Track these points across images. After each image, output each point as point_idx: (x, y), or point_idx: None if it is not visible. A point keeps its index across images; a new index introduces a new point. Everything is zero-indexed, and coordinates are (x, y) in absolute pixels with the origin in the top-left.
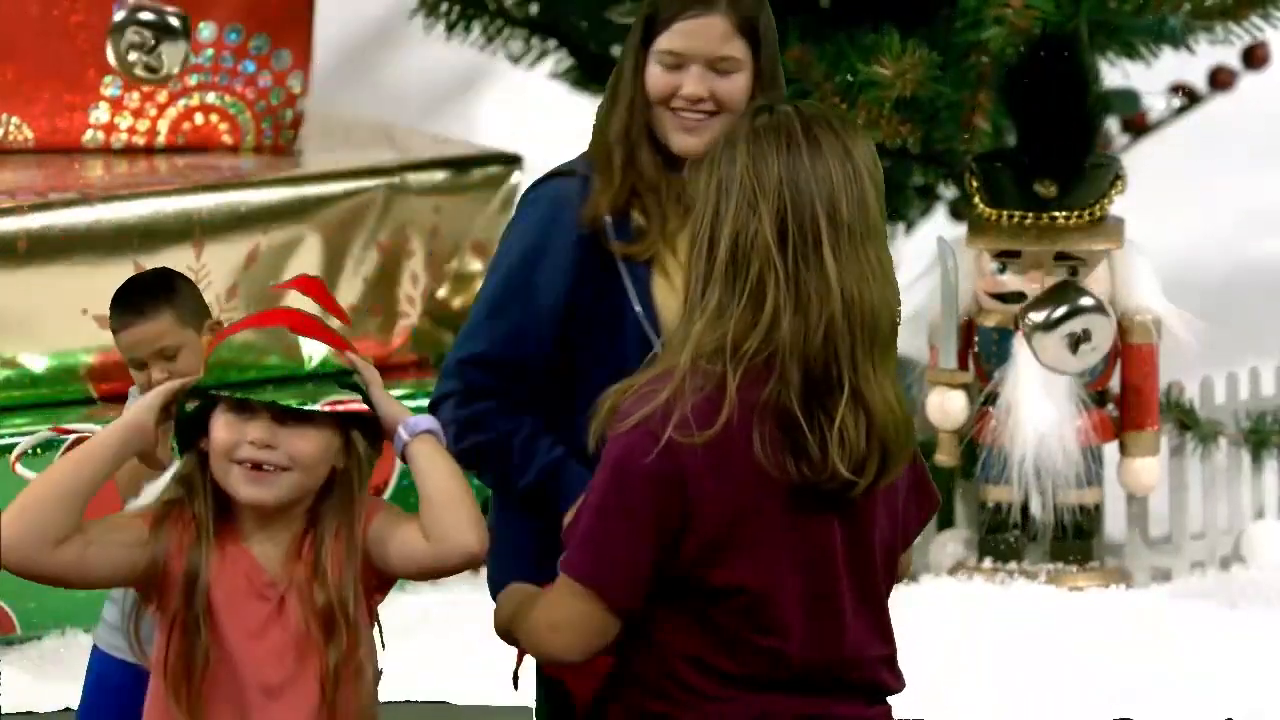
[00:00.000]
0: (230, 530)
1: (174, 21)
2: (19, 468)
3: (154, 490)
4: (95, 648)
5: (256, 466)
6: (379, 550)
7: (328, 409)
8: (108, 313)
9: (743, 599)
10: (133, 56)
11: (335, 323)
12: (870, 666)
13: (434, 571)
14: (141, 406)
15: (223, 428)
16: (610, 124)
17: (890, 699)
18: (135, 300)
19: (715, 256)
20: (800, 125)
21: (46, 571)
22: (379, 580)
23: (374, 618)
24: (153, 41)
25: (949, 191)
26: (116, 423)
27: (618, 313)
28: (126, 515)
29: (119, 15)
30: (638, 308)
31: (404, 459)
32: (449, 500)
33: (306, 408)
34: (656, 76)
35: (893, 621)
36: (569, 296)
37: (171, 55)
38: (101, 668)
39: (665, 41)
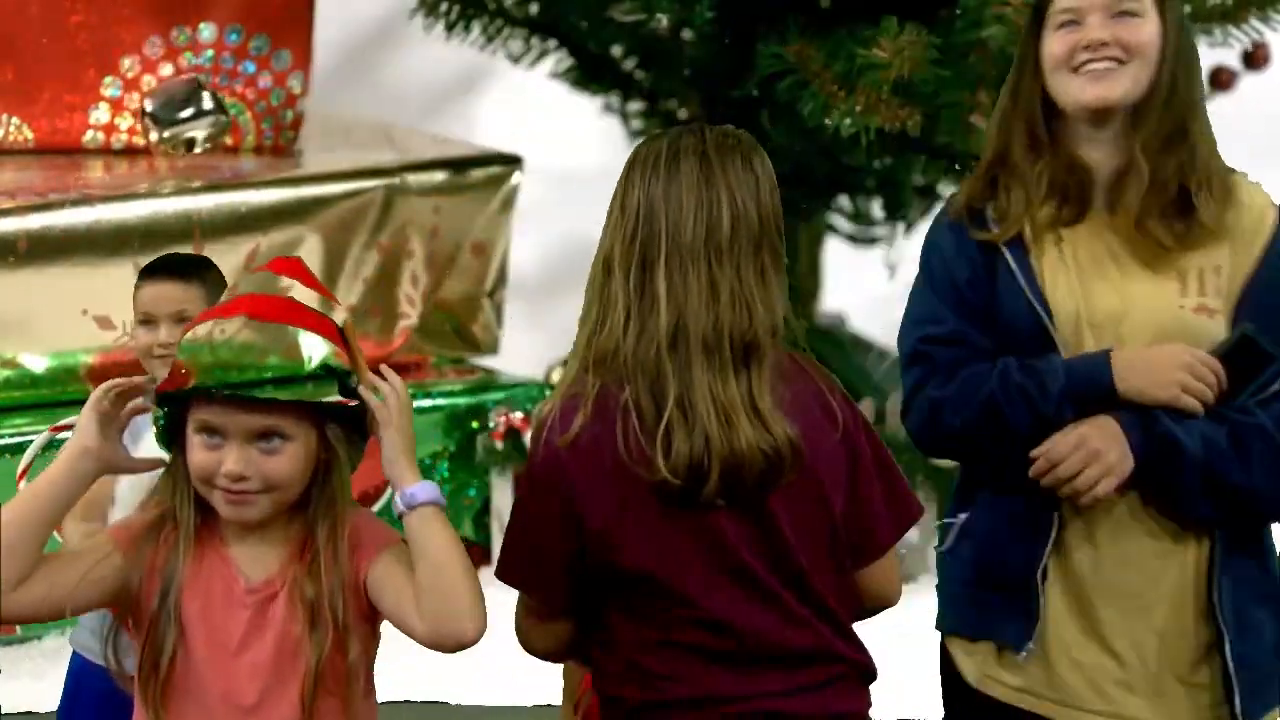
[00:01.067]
0: (214, 534)
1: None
2: (23, 485)
3: (140, 489)
4: (74, 652)
5: (235, 490)
6: (374, 598)
7: (303, 398)
8: (108, 312)
9: (653, 582)
10: (167, 134)
11: (340, 316)
12: (812, 639)
13: (426, 645)
14: (80, 429)
15: (198, 451)
16: (1004, 120)
17: (862, 679)
18: (176, 263)
19: (593, 270)
20: (668, 152)
21: (12, 616)
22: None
23: (375, 632)
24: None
25: (949, 191)
26: (59, 457)
27: (994, 295)
28: (92, 540)
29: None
30: (1023, 287)
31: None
32: (449, 587)
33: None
34: (1057, 40)
35: (887, 619)
36: (959, 280)
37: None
38: (79, 672)
39: (1060, 3)
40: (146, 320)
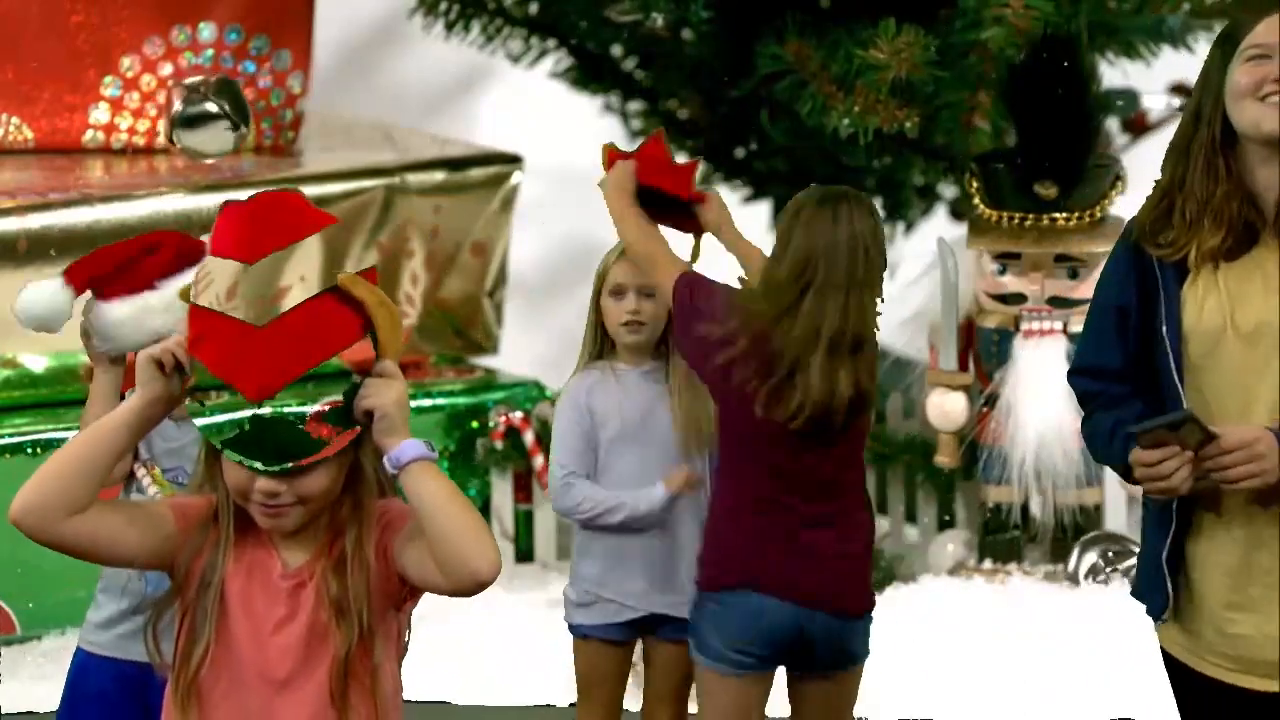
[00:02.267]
0: (255, 525)
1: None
2: None
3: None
4: (78, 648)
5: (271, 505)
6: (400, 567)
7: (315, 458)
8: None
9: None
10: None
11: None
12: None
13: (447, 594)
14: (150, 378)
15: (231, 469)
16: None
17: None
18: None
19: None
20: (825, 203)
21: (56, 541)
22: (406, 589)
23: (401, 631)
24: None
25: (949, 191)
26: (134, 397)
27: (1153, 316)
28: (159, 504)
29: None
30: (1163, 319)
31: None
32: (452, 530)
33: (293, 464)
34: (1245, 72)
35: (893, 621)
36: (1123, 301)
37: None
38: (82, 666)
39: (1251, 39)
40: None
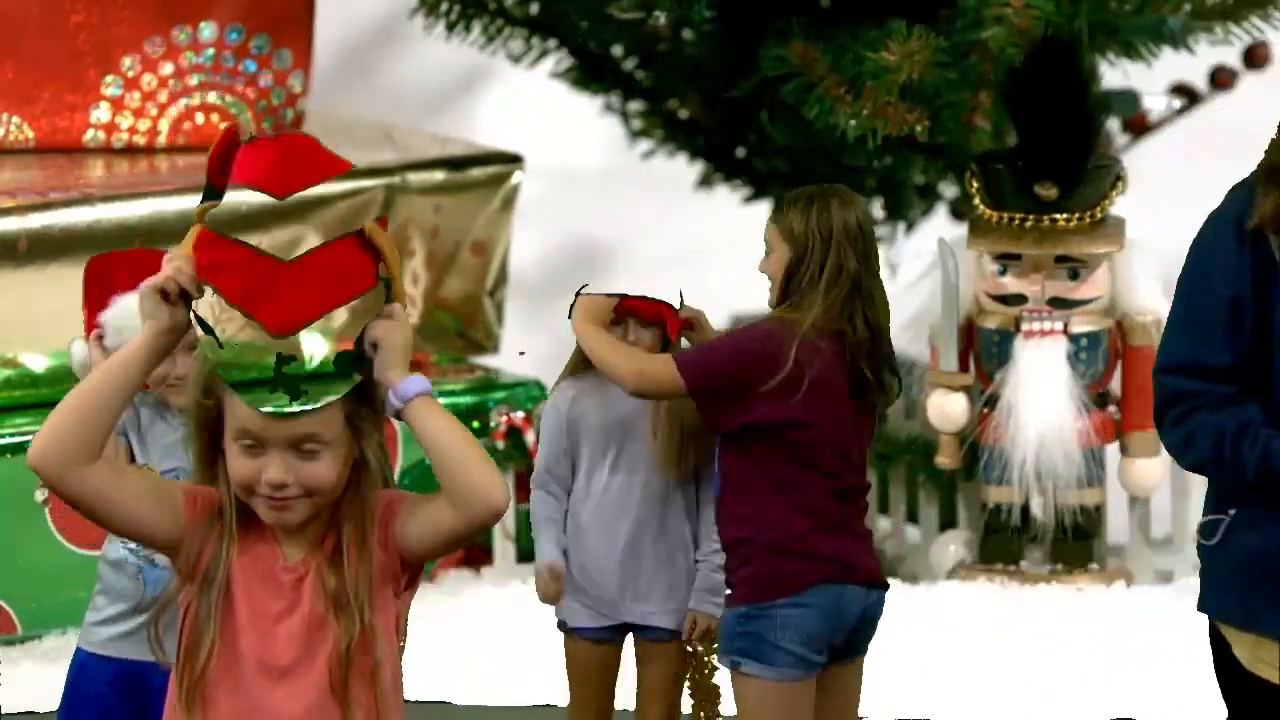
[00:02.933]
0: (257, 519)
1: None
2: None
3: None
4: (78, 648)
5: (277, 497)
6: (405, 541)
7: (328, 400)
8: None
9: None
10: None
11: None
12: None
13: (464, 536)
14: (154, 307)
15: (237, 458)
16: None
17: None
18: None
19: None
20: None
21: (75, 489)
22: (408, 574)
23: (400, 624)
24: None
25: (950, 191)
26: (142, 332)
27: (1271, 310)
28: (174, 484)
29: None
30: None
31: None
32: (460, 459)
33: (311, 406)
34: None
35: (893, 621)
36: (1236, 291)
37: None
38: (81, 666)
39: None
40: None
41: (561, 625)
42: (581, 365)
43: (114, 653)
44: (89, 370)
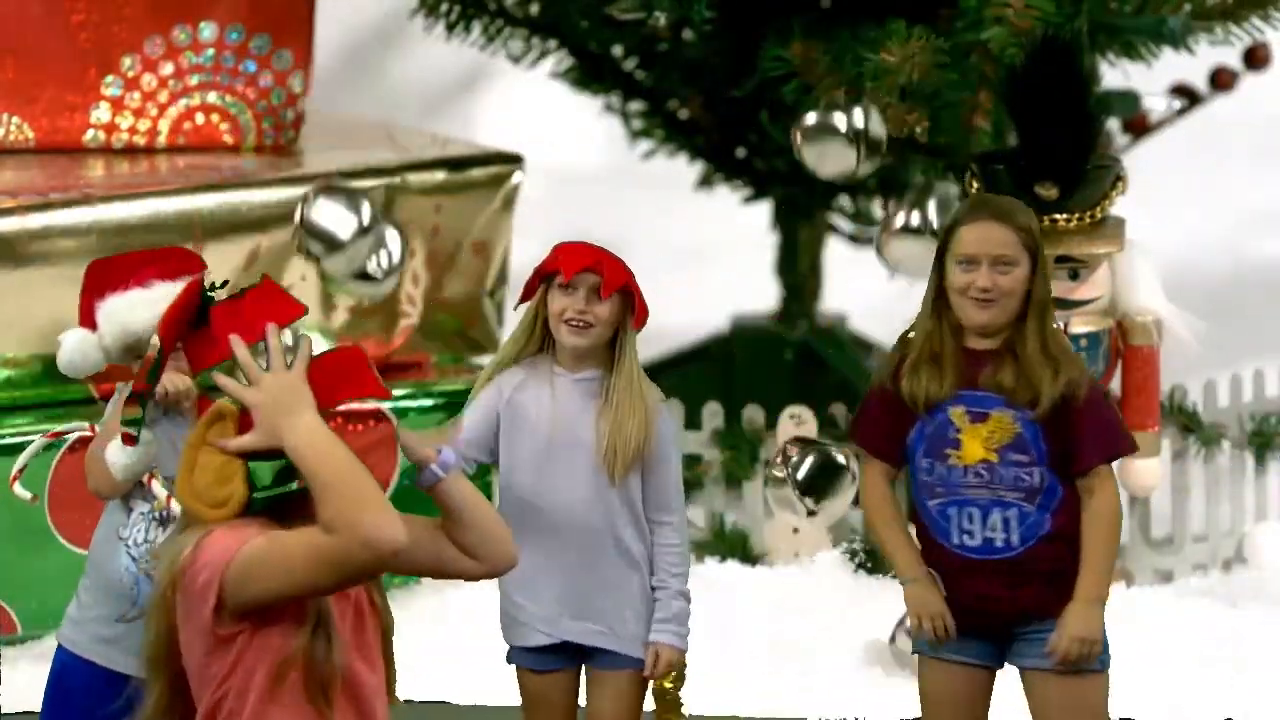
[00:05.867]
0: None
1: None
2: (17, 487)
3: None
4: (59, 645)
5: None
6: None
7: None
8: None
9: None
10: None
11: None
12: None
13: (487, 577)
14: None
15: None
16: None
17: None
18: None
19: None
20: None
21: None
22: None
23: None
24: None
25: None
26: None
27: None
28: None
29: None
30: None
31: (431, 492)
32: (491, 524)
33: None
34: None
35: (893, 620)
36: None
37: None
38: (64, 666)
39: None
40: (140, 356)
41: (507, 655)
42: (521, 356)
43: (97, 659)
44: (76, 364)
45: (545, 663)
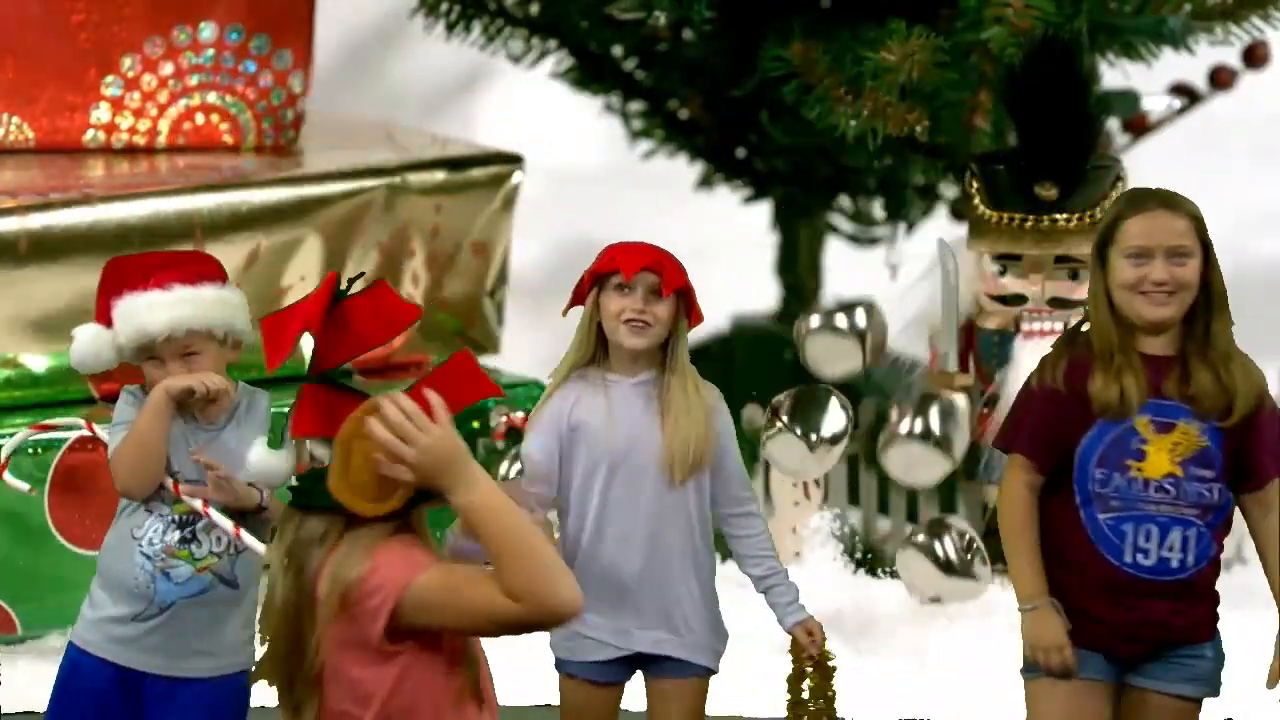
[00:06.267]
0: None
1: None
2: (8, 477)
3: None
4: (70, 644)
5: None
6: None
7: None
8: None
9: None
10: None
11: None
12: None
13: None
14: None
15: None
16: None
17: None
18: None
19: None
20: None
21: None
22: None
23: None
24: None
25: (950, 191)
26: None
27: None
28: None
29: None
30: None
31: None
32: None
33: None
34: None
35: (893, 622)
36: None
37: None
38: (75, 664)
39: None
40: (153, 357)
41: (557, 664)
42: (583, 362)
43: (113, 657)
44: (88, 361)
45: (609, 674)
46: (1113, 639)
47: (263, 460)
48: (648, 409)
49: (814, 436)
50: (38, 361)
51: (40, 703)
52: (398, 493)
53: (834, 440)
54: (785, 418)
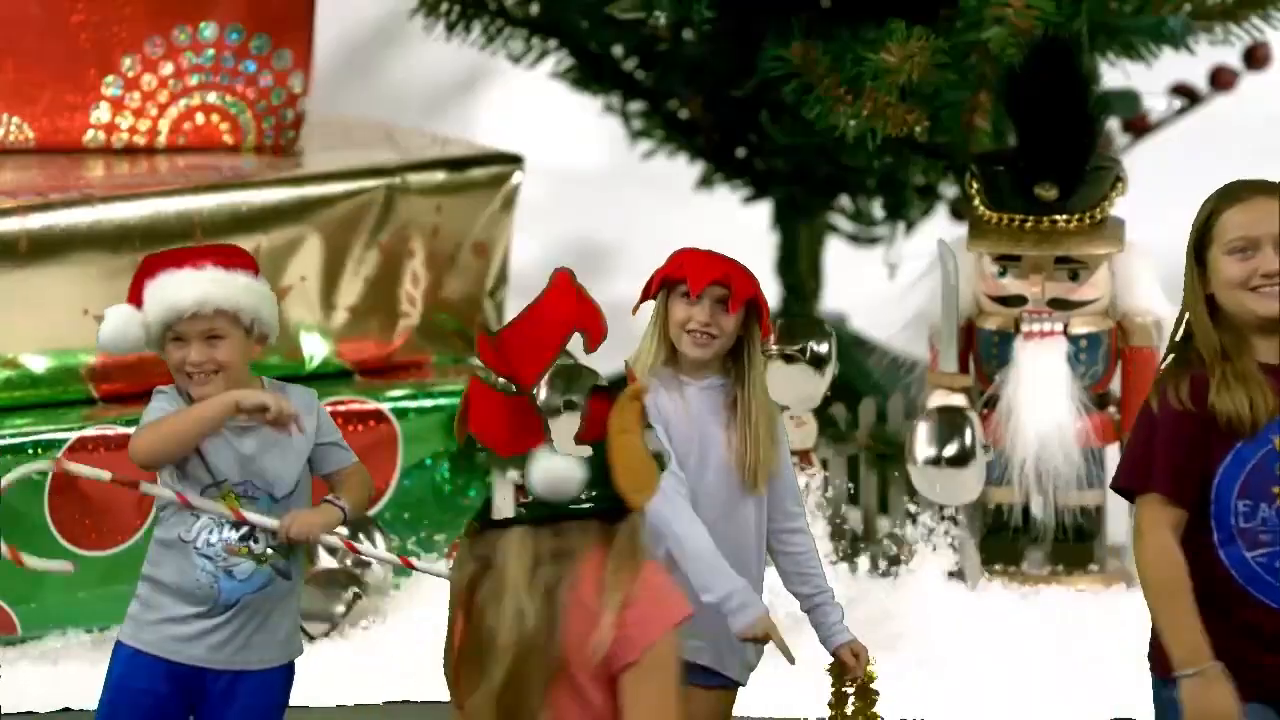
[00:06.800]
0: None
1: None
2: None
3: None
4: (120, 644)
5: None
6: None
7: None
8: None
9: None
10: None
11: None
12: None
13: None
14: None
15: None
16: None
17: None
18: None
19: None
20: None
21: None
22: None
23: None
24: None
25: (950, 191)
26: None
27: None
28: None
29: None
30: None
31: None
32: None
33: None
34: None
35: (893, 623)
36: None
37: None
38: (131, 663)
39: None
40: (178, 338)
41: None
42: (657, 364)
43: (171, 654)
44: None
45: (709, 679)
46: (1276, 684)
47: (551, 469)
48: (717, 413)
49: (816, 349)
50: (38, 361)
51: (40, 703)
52: (654, 476)
53: (821, 363)
54: (779, 344)
